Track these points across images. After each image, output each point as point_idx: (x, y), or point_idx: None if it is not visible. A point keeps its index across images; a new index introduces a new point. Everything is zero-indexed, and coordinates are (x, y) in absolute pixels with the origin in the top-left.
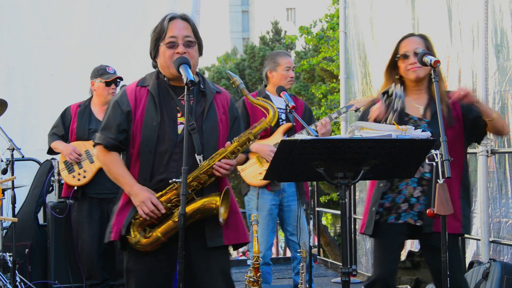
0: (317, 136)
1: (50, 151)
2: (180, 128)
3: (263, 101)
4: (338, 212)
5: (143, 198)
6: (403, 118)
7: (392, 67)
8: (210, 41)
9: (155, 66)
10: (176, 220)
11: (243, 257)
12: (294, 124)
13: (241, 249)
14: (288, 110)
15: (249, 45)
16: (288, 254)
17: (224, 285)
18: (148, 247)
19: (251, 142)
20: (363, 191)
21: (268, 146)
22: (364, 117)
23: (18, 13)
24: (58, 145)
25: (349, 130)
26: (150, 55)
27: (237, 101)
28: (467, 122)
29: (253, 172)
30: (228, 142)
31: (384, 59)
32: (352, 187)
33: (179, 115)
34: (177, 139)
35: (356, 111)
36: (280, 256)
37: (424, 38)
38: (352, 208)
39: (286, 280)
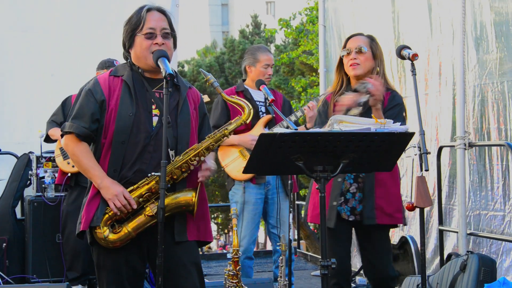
0: (297, 129)
1: (47, 139)
2: (155, 120)
3: (238, 99)
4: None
5: (116, 192)
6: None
7: (340, 64)
8: (189, 35)
9: (126, 57)
10: (148, 214)
11: (224, 251)
12: (274, 116)
13: (219, 243)
14: (267, 104)
15: (228, 38)
16: (269, 247)
17: (196, 277)
18: (117, 243)
19: (225, 139)
20: None
21: (249, 135)
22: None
23: None
24: (55, 132)
25: (328, 123)
26: (123, 46)
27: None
28: None
29: (237, 166)
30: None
31: None
32: None
33: (153, 107)
34: (153, 131)
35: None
36: (260, 249)
37: (371, 38)
38: None
39: (266, 273)
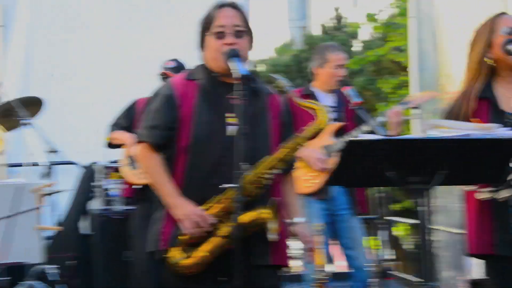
0: (385, 135)
1: (109, 144)
2: (229, 129)
3: (313, 103)
4: (413, 221)
5: (188, 211)
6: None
7: (484, 49)
8: (265, 32)
9: (202, 59)
10: (223, 235)
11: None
12: (347, 123)
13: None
14: (351, 106)
15: (308, 34)
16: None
17: None
18: (191, 269)
19: (299, 148)
20: (442, 197)
21: (315, 152)
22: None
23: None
24: (121, 135)
25: (422, 128)
26: (198, 47)
27: None
28: None
29: (300, 178)
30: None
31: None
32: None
33: (229, 114)
34: (227, 142)
35: (414, 108)
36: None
37: None
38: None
39: None
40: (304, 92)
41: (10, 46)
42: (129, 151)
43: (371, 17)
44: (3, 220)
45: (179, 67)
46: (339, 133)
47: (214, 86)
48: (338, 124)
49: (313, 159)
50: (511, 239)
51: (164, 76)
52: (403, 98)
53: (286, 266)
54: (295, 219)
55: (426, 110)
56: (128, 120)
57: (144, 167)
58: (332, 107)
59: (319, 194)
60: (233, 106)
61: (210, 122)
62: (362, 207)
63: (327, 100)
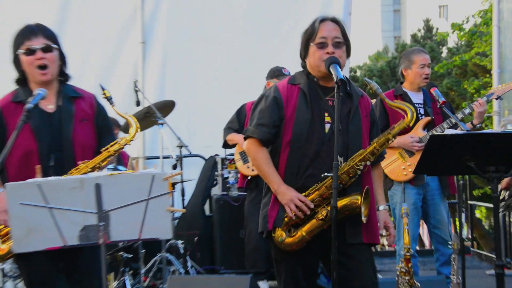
0: (468, 130)
1: (225, 145)
2: (327, 127)
3: (400, 103)
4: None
5: (291, 197)
6: None
7: None
8: (361, 41)
9: (304, 66)
10: (321, 218)
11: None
12: (433, 117)
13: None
14: (438, 105)
15: (400, 43)
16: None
17: (371, 273)
18: (293, 246)
19: (389, 142)
20: None
21: (409, 136)
22: None
23: (180, 17)
24: (234, 137)
25: (501, 124)
26: (300, 55)
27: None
28: None
29: (397, 168)
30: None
31: None
32: None
33: (326, 114)
34: (325, 138)
35: (497, 99)
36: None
37: None
38: None
39: (431, 271)
40: (396, 93)
41: (149, 60)
42: (240, 148)
43: (457, 26)
44: (142, 203)
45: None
46: (428, 127)
47: (313, 89)
48: (427, 119)
49: (408, 142)
50: None
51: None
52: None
53: (377, 243)
54: (379, 206)
55: (505, 107)
56: (238, 123)
57: (252, 159)
58: (421, 104)
59: (414, 181)
60: (329, 106)
61: (309, 121)
62: (451, 188)
63: (416, 98)
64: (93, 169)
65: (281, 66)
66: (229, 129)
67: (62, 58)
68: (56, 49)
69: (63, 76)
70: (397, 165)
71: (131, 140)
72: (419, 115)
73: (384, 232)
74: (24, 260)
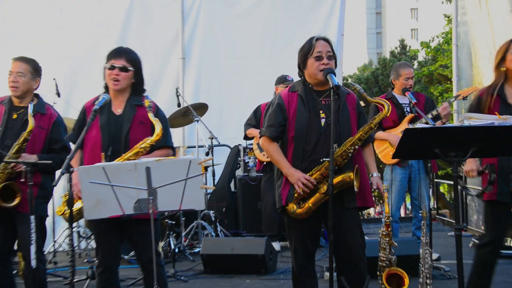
0: (434, 124)
1: (246, 137)
2: (322, 121)
3: (379, 99)
4: (450, 182)
5: (298, 177)
6: (507, 108)
7: (501, 61)
8: (351, 56)
9: (300, 75)
10: (323, 192)
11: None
12: (416, 115)
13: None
14: (411, 106)
15: (381, 58)
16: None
17: (358, 235)
18: (303, 215)
19: (372, 130)
20: None
21: (396, 136)
22: (472, 107)
23: (212, 38)
24: (252, 131)
25: (460, 119)
26: (298, 67)
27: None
28: None
29: (387, 154)
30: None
31: (489, 65)
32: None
33: (321, 111)
34: (322, 130)
35: (463, 99)
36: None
37: None
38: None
39: (409, 234)
40: (387, 96)
41: (187, 71)
42: (257, 140)
43: (425, 44)
44: (182, 182)
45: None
46: (413, 121)
47: (309, 93)
48: (411, 116)
49: (394, 141)
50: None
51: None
52: (451, 97)
53: (371, 206)
54: (373, 174)
55: (462, 106)
56: (255, 120)
57: (266, 151)
58: (407, 104)
59: (400, 163)
60: (323, 105)
61: (307, 118)
62: (434, 168)
63: (403, 100)
64: (127, 159)
65: (285, 74)
66: (248, 125)
67: (136, 77)
68: (131, 70)
69: (134, 90)
70: (388, 152)
71: (155, 140)
72: (406, 112)
73: (376, 190)
74: (94, 225)
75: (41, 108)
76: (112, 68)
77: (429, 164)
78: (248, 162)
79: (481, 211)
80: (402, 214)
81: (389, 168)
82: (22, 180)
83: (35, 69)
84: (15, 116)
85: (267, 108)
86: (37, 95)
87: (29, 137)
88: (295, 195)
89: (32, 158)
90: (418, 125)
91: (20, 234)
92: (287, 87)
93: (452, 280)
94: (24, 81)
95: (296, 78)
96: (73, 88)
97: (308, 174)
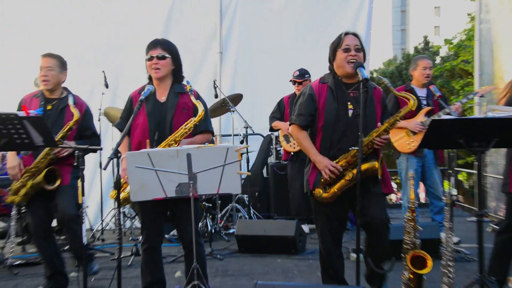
0: (457, 116)
1: (271, 129)
2: (350, 112)
3: (405, 94)
4: (472, 171)
5: (326, 164)
6: None
7: None
8: (378, 51)
9: (331, 69)
10: (348, 179)
11: (399, 202)
12: (433, 108)
13: (399, 196)
14: (436, 98)
15: (405, 53)
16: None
17: (385, 218)
18: (328, 199)
19: (397, 122)
20: (492, 156)
21: (414, 121)
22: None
23: (248, 33)
24: (277, 124)
25: (484, 110)
26: (328, 60)
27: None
28: None
29: (403, 143)
30: (379, 124)
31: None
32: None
33: (349, 103)
34: (349, 121)
35: (480, 97)
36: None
37: None
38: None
39: (427, 219)
40: (406, 88)
41: (224, 65)
42: (283, 132)
43: (448, 41)
44: (219, 167)
45: (300, 74)
46: (428, 114)
47: (338, 85)
48: (428, 108)
49: (413, 125)
50: None
51: (293, 82)
52: (469, 93)
53: (392, 192)
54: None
55: (484, 99)
56: (279, 113)
57: (295, 139)
58: (424, 97)
59: (416, 152)
60: (351, 97)
61: (336, 109)
62: (440, 160)
63: (421, 93)
64: (174, 141)
65: (304, 69)
66: (273, 118)
67: (175, 63)
68: (168, 57)
69: (175, 77)
70: (404, 141)
71: (198, 120)
72: (422, 105)
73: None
74: (138, 206)
75: (75, 100)
76: (151, 58)
77: (451, 153)
78: (280, 150)
79: (499, 198)
80: (422, 200)
81: (404, 157)
82: (75, 164)
83: (62, 63)
84: (49, 107)
85: (297, 98)
86: (65, 88)
87: (74, 126)
88: (322, 180)
89: (71, 144)
90: (444, 116)
91: (60, 203)
92: (294, 81)
93: (472, 262)
94: (53, 75)
95: (322, 72)
96: (119, 80)
97: (335, 161)
